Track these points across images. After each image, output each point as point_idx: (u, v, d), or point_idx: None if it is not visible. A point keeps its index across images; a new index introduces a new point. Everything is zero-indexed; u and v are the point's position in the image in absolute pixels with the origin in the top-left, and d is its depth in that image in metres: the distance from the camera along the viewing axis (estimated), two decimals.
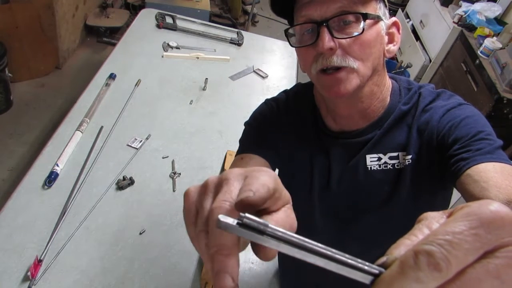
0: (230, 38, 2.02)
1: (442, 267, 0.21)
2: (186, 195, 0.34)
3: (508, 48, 2.46)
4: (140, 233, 1.09)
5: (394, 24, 0.74)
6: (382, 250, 0.27)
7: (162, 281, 1.01)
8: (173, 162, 1.33)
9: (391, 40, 0.74)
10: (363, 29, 0.66)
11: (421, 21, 3.42)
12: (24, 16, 2.47)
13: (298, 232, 0.41)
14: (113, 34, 3.24)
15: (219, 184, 0.32)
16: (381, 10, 0.70)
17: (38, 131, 2.40)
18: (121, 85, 1.59)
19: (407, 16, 3.73)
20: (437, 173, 0.71)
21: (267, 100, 0.89)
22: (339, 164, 0.79)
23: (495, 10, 2.95)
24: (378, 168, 0.76)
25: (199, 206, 0.32)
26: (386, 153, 0.75)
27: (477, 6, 2.96)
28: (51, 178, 1.15)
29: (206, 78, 1.71)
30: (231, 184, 0.31)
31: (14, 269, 0.94)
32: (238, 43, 2.01)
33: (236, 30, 2.15)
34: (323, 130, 0.80)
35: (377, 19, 0.69)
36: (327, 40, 0.64)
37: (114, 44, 1.99)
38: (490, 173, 0.59)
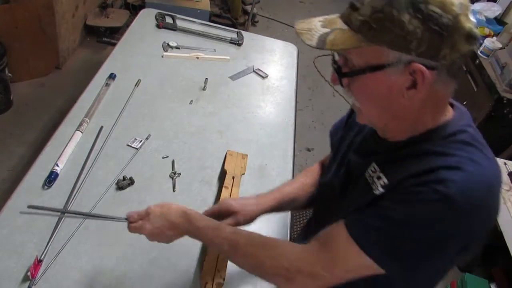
0: (230, 38, 2.02)
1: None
2: None
3: (508, 48, 2.46)
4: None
5: (416, 72, 0.60)
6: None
7: (162, 281, 1.01)
8: (173, 162, 1.33)
9: (413, 85, 0.62)
10: (348, 83, 0.68)
11: None
12: (24, 16, 2.47)
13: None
14: (113, 34, 3.24)
15: None
16: (391, 55, 0.60)
17: (38, 131, 2.40)
18: (121, 85, 1.59)
19: None
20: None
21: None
22: (354, 155, 0.83)
23: (495, 10, 2.95)
24: (368, 179, 0.73)
25: None
26: (387, 176, 0.69)
27: (477, 6, 2.96)
28: (51, 178, 1.15)
29: (206, 78, 1.71)
30: None
31: (14, 269, 0.94)
32: (238, 43, 2.01)
33: (236, 30, 2.14)
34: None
35: (372, 71, 0.62)
36: (332, 76, 0.70)
37: (114, 44, 1.99)
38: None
